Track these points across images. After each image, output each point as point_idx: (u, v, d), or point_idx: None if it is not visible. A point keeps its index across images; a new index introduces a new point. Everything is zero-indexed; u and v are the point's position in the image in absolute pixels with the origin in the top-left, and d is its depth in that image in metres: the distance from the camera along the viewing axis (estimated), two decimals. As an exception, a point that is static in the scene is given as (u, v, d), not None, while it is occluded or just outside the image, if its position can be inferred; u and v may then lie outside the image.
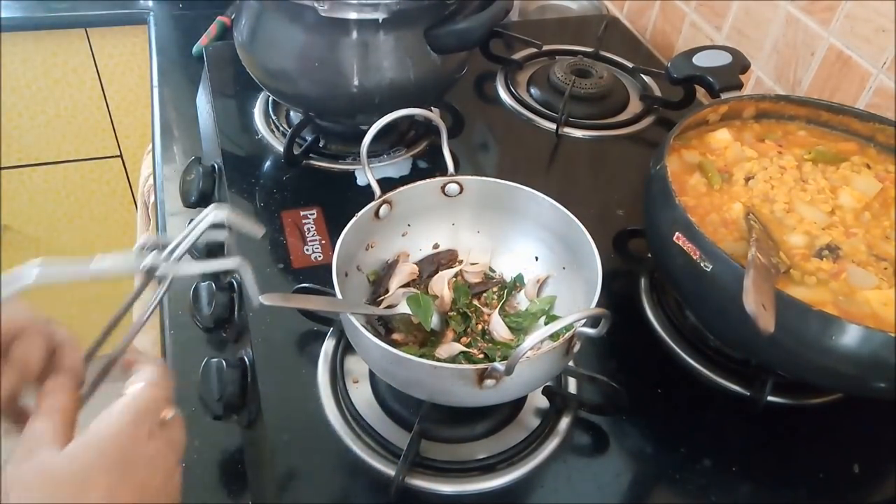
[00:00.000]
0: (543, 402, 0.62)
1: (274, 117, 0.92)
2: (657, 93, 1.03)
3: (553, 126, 0.96)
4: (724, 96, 0.76)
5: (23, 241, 1.61)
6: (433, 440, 0.59)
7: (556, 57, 1.10)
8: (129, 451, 0.37)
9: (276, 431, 0.59)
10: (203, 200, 0.85)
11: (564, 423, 0.61)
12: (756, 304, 0.47)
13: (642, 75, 1.06)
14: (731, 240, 0.62)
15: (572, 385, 0.63)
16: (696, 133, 0.73)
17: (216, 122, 0.92)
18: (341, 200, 0.82)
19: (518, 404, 0.62)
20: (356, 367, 0.64)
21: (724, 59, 0.82)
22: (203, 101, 1.00)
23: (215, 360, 0.65)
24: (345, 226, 0.59)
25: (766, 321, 0.47)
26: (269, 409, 0.60)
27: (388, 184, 0.84)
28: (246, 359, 0.66)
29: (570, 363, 0.58)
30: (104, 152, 1.53)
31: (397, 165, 0.87)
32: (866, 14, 0.79)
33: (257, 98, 0.95)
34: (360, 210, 0.61)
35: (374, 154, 0.88)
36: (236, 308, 0.71)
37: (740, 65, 0.82)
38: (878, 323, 0.55)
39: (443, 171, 0.65)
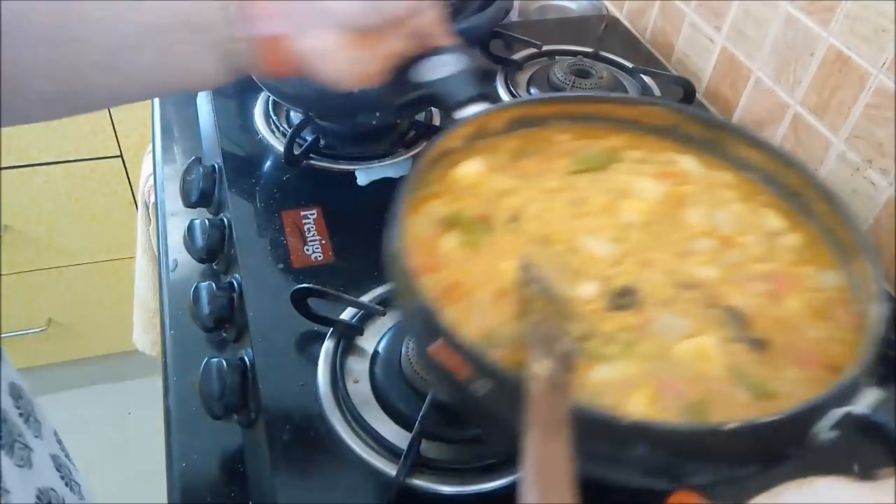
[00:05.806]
0: (543, 402, 0.62)
1: (274, 117, 0.92)
2: (657, 93, 1.03)
3: (553, 126, 0.96)
4: (462, 113, 0.55)
5: (23, 241, 1.61)
6: (433, 440, 0.59)
7: (556, 57, 1.10)
8: None
9: (276, 431, 0.59)
10: (203, 200, 0.85)
11: (564, 422, 0.60)
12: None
13: (642, 76, 1.06)
14: (513, 316, 0.45)
15: (572, 385, 0.63)
16: (441, 174, 0.54)
17: (216, 122, 0.92)
18: (341, 200, 0.82)
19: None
20: (356, 367, 0.64)
21: (454, 65, 0.57)
22: (203, 101, 1.00)
23: (215, 360, 0.65)
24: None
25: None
26: (269, 409, 0.60)
27: (388, 184, 0.85)
28: (246, 359, 0.66)
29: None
30: (104, 152, 1.53)
31: (397, 165, 0.87)
32: (866, 14, 0.79)
33: (257, 98, 0.95)
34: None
35: (374, 154, 0.88)
36: (236, 308, 0.71)
37: (474, 67, 0.58)
38: (707, 383, 0.42)
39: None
